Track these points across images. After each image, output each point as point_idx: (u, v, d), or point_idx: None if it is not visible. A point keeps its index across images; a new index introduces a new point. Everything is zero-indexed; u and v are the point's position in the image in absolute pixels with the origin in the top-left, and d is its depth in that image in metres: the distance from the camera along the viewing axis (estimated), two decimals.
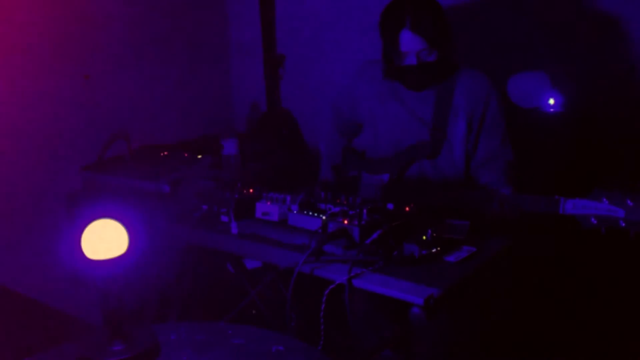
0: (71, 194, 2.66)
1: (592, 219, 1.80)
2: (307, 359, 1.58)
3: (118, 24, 3.09)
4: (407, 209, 2.02)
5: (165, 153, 2.83)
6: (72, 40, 2.91)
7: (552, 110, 2.63)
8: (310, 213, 2.07)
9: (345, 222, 1.96)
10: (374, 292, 1.80)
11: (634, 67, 2.59)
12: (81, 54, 2.95)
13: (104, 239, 1.47)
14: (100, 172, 2.66)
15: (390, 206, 2.03)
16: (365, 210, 1.97)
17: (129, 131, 2.88)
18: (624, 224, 1.74)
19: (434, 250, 1.89)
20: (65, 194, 2.70)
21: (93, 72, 3.01)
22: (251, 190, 2.27)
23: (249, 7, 3.52)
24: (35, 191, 2.82)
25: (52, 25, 2.84)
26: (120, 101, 3.13)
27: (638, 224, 1.72)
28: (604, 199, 1.78)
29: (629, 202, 1.74)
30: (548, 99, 2.62)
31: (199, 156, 2.71)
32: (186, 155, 2.76)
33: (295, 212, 2.12)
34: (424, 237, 1.88)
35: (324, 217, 2.01)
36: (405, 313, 1.73)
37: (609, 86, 2.62)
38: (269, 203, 2.19)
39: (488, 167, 2.34)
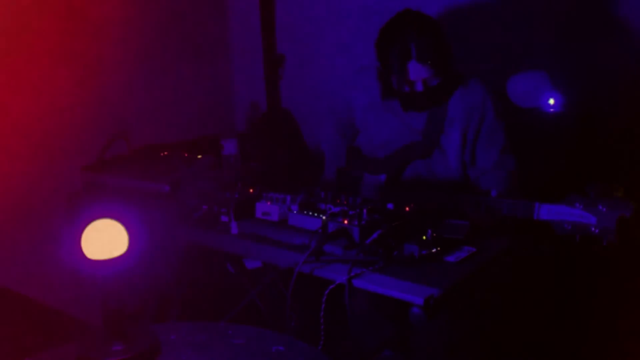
0: (71, 194, 2.66)
1: (566, 225, 1.78)
2: (307, 359, 1.58)
3: (118, 24, 3.09)
4: (407, 209, 2.02)
5: (165, 153, 2.83)
6: (72, 40, 2.91)
7: (552, 110, 2.62)
8: (310, 213, 2.07)
9: (345, 222, 1.96)
10: (374, 292, 1.80)
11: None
12: (81, 54, 2.95)
13: (104, 239, 1.47)
14: (100, 172, 2.66)
15: (390, 206, 2.03)
16: (365, 210, 1.97)
17: (129, 131, 2.88)
18: (596, 231, 1.72)
19: (434, 250, 1.89)
20: (65, 194, 2.71)
21: (93, 72, 3.00)
22: (251, 190, 2.27)
23: (249, 7, 3.52)
24: (35, 191, 2.82)
25: (52, 25, 2.84)
26: (120, 101, 3.13)
27: (610, 231, 1.70)
28: (577, 204, 1.76)
29: (600, 207, 1.72)
30: (548, 99, 2.61)
31: (199, 156, 2.71)
32: (186, 155, 2.77)
33: (295, 212, 2.12)
34: (424, 237, 1.88)
35: (324, 217, 2.01)
36: (405, 313, 1.73)
37: (609, 86, 2.62)
38: (269, 203, 2.19)
39: (489, 177, 2.33)
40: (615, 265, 2.48)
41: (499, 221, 2.02)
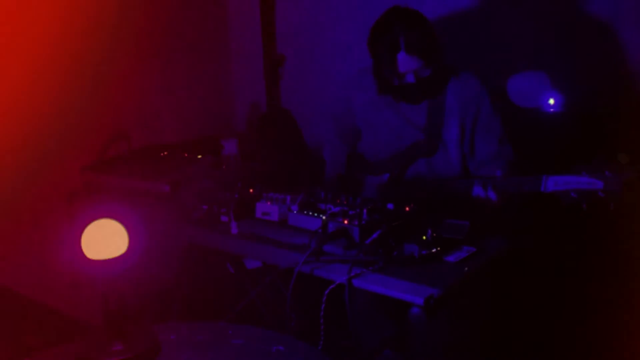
0: (71, 194, 2.66)
1: (572, 194, 1.81)
2: (307, 359, 1.58)
3: (118, 24, 3.09)
4: (407, 209, 2.02)
5: (165, 153, 2.83)
6: (73, 40, 2.91)
7: (552, 110, 2.63)
8: (310, 213, 2.07)
9: (345, 222, 1.96)
10: (374, 292, 1.80)
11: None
12: (81, 54, 2.95)
13: (104, 239, 1.47)
14: (100, 172, 2.66)
15: (390, 206, 2.03)
16: (365, 210, 1.97)
17: (129, 131, 2.88)
18: (603, 195, 1.75)
19: (434, 250, 1.89)
20: (65, 194, 2.71)
21: (93, 72, 3.00)
22: (251, 190, 2.27)
23: (249, 7, 3.52)
24: (35, 191, 2.82)
25: (53, 26, 2.84)
26: (120, 101, 3.13)
27: (616, 195, 1.73)
28: (583, 172, 1.79)
29: (607, 173, 1.75)
30: (548, 99, 2.62)
31: (199, 156, 2.71)
32: (186, 155, 2.77)
33: (295, 212, 2.12)
34: (424, 237, 1.88)
35: (324, 217, 2.01)
36: (405, 313, 1.73)
37: (609, 86, 2.62)
38: (269, 203, 2.19)
39: (488, 167, 2.34)
40: (618, 249, 2.48)
41: (507, 200, 2.03)
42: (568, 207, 1.83)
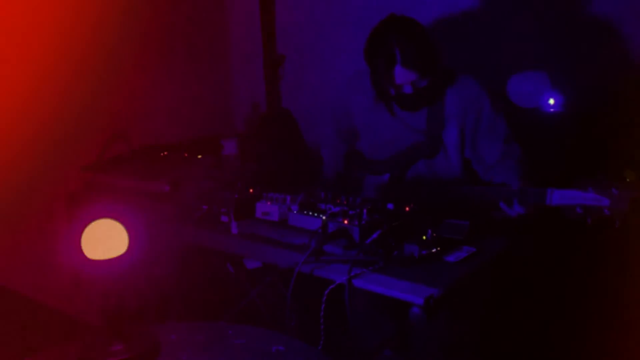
0: (71, 194, 2.66)
1: (578, 209, 1.81)
2: (307, 359, 1.58)
3: (118, 24, 3.09)
4: (407, 209, 2.02)
5: (165, 153, 2.83)
6: (72, 40, 2.91)
7: (552, 110, 2.63)
8: (310, 213, 2.07)
9: (345, 222, 1.96)
10: (374, 292, 1.80)
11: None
12: (81, 54, 2.95)
13: (104, 239, 1.47)
14: (100, 172, 2.66)
15: (390, 206, 2.03)
16: (365, 210, 1.97)
17: (129, 131, 2.88)
18: (608, 213, 1.75)
19: (434, 250, 1.89)
20: (65, 194, 2.71)
21: (93, 72, 3.01)
22: (251, 190, 2.27)
23: (249, 7, 3.53)
24: (35, 191, 2.82)
25: (52, 26, 2.84)
26: (120, 101, 3.13)
27: (623, 213, 1.73)
28: (590, 188, 1.79)
29: (614, 190, 1.74)
30: (548, 99, 2.62)
31: (199, 156, 2.71)
32: (186, 155, 2.76)
33: (295, 212, 2.11)
34: (424, 237, 1.88)
35: (324, 217, 2.01)
36: (405, 313, 1.73)
37: (609, 86, 2.62)
38: (269, 203, 2.19)
39: (499, 168, 2.33)
40: (618, 258, 2.48)
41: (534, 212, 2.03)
42: (572, 221, 1.82)
